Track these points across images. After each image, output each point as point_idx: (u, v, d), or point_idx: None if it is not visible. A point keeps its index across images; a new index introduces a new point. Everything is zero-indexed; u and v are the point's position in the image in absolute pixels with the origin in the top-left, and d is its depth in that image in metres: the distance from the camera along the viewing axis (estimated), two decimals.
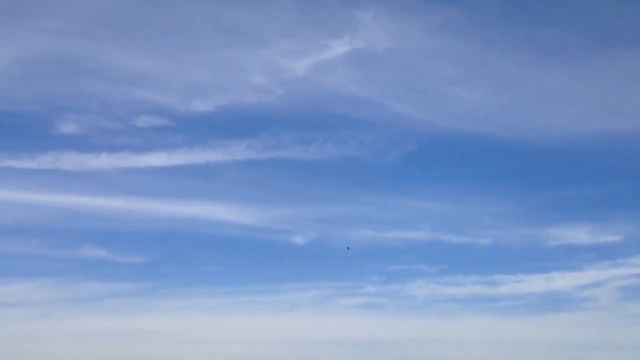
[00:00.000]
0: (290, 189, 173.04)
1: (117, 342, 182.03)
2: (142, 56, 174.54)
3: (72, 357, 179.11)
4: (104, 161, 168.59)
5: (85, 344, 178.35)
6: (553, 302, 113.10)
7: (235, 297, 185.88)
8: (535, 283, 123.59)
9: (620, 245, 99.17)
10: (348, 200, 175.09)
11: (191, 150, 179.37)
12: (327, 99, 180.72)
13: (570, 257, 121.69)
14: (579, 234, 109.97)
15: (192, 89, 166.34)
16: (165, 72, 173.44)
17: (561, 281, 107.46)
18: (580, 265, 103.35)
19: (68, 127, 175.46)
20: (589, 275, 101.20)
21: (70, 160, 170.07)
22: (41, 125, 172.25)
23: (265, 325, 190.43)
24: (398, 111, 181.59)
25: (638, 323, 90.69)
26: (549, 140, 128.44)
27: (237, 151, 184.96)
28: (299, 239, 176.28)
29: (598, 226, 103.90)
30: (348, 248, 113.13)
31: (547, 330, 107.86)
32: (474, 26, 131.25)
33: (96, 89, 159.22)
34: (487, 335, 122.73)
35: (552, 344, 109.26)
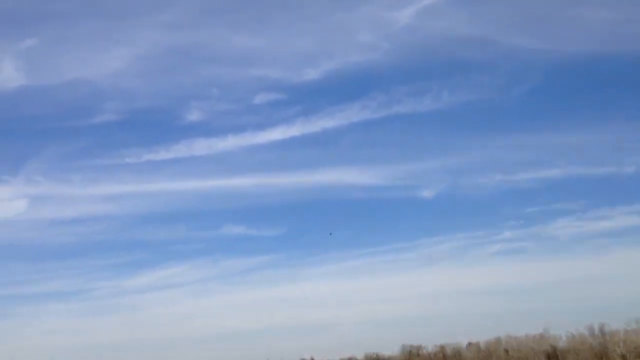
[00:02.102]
0: (411, 143, 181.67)
1: (266, 311, 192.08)
2: (251, 36, 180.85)
3: (229, 329, 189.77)
4: (230, 142, 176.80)
5: (238, 316, 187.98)
6: None
7: (371, 257, 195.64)
8: None
9: None
10: (473, 146, 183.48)
11: (308, 120, 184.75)
12: (437, 45, 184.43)
13: None
14: None
15: (301, 59, 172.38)
16: (274, 47, 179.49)
17: None
18: None
19: (193, 115, 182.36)
20: None
21: (200, 146, 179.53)
22: (170, 117, 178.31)
23: (405, 282, 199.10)
24: (516, 45, 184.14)
25: None
26: None
27: (352, 114, 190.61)
28: (426, 193, 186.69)
29: None
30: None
31: None
32: None
33: (213, 75, 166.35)
34: None
35: None
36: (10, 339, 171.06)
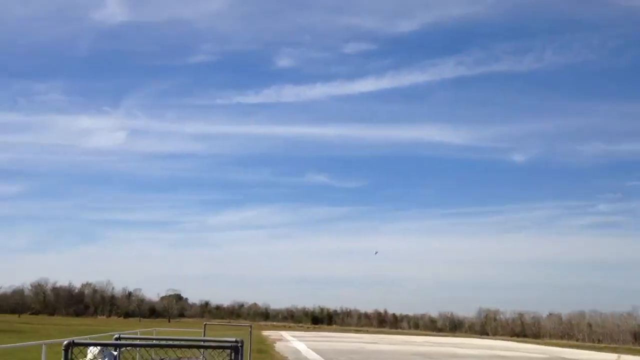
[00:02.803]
0: (506, 104, 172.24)
1: (342, 261, 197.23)
2: None
3: (304, 275, 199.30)
4: (318, 91, 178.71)
5: (315, 263, 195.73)
6: None
7: (454, 218, 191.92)
8: None
9: None
10: (574, 112, 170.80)
11: (398, 73, 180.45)
12: (546, 0, 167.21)
13: None
14: None
15: (397, 9, 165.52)
16: None
17: None
18: None
19: (284, 61, 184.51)
20: None
21: (289, 93, 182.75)
22: (261, 62, 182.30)
23: (487, 246, 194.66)
24: (631, 4, 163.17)
25: None
26: None
27: (445, 69, 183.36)
28: (518, 157, 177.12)
29: None
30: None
31: None
32: None
33: (306, 21, 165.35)
34: None
35: None
36: (101, 262, 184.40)
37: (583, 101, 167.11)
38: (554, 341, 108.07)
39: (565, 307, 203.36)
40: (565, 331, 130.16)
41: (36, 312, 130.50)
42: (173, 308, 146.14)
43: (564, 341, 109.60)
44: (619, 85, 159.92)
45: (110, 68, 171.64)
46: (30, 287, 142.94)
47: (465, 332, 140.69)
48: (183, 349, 9.01)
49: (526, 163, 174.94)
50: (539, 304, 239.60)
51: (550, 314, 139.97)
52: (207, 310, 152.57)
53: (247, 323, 31.17)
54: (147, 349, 21.31)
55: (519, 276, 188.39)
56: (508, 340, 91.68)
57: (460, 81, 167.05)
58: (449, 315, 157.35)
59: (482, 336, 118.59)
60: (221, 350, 5.99)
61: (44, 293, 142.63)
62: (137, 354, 19.73)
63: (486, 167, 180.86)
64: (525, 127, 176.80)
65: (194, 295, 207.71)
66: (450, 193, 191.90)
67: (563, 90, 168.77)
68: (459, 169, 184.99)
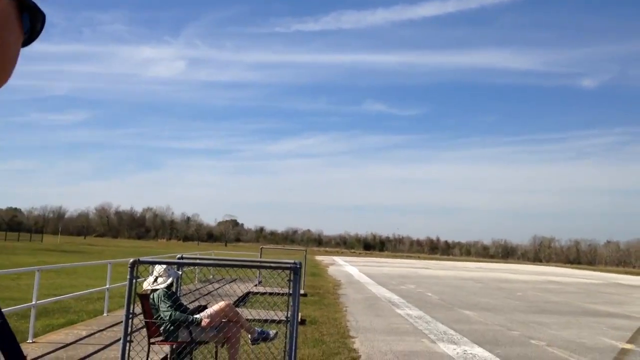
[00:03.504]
0: (578, 26, 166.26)
1: (398, 189, 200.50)
2: None
3: (360, 202, 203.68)
4: (379, 16, 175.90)
5: (370, 190, 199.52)
6: None
7: (515, 146, 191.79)
8: None
9: None
10: None
11: None
12: None
13: None
14: None
15: None
16: None
17: None
18: None
19: None
20: None
21: (349, 19, 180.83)
22: None
23: (549, 174, 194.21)
24: None
25: None
26: None
27: None
28: (588, 82, 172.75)
29: None
30: None
31: None
32: None
33: None
34: None
35: None
36: (162, 188, 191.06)
37: None
38: (610, 268, 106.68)
39: (625, 235, 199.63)
40: (622, 259, 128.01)
41: (100, 235, 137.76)
42: (229, 233, 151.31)
43: (620, 268, 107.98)
44: None
45: None
46: (94, 211, 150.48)
47: (518, 259, 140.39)
48: (240, 269, 9.31)
49: (597, 89, 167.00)
50: (597, 232, 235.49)
51: (608, 242, 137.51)
52: (262, 236, 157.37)
53: (301, 248, 31.91)
54: (206, 269, 22.33)
55: (580, 204, 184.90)
56: (562, 267, 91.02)
57: (531, 2, 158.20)
58: (502, 243, 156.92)
59: (536, 263, 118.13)
60: (279, 271, 6.11)
61: (107, 217, 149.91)
62: (197, 274, 20.59)
63: (554, 93, 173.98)
64: (598, 51, 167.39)
65: (249, 221, 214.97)
66: (512, 120, 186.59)
67: (635, 10, 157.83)
68: (524, 95, 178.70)
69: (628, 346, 11.31)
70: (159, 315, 6.34)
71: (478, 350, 9.97)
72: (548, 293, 26.39)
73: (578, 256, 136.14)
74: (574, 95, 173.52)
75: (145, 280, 6.61)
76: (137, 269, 5.43)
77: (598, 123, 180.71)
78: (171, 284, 6.64)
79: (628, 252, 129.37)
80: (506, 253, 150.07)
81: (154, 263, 6.10)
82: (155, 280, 6.62)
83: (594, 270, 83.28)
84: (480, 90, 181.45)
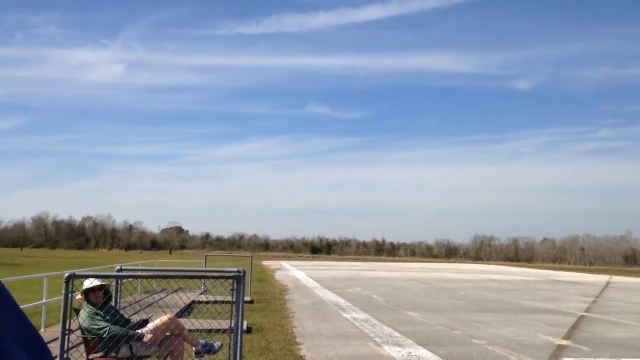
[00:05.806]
0: (512, 29, 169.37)
1: (342, 191, 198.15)
2: None
3: (305, 205, 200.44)
4: (321, 20, 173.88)
5: (315, 194, 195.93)
6: None
7: (454, 147, 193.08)
8: None
9: None
10: (579, 35, 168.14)
11: None
12: None
13: None
14: None
15: None
16: None
17: None
18: None
19: None
20: None
21: (291, 22, 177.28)
22: None
23: (487, 174, 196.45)
24: None
25: None
26: None
27: None
28: (523, 84, 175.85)
29: None
30: None
31: None
32: None
33: None
34: None
35: None
36: (102, 196, 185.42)
37: (588, 25, 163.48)
38: (546, 264, 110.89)
39: (561, 232, 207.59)
40: (558, 255, 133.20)
41: (38, 246, 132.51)
42: (174, 240, 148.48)
43: (556, 264, 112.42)
44: (630, 7, 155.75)
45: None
46: (31, 221, 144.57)
47: (460, 258, 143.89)
48: (184, 280, 9.11)
49: (531, 90, 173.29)
50: (534, 231, 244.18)
51: (544, 239, 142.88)
52: (207, 242, 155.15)
53: (247, 254, 31.59)
54: (149, 280, 21.79)
55: (517, 203, 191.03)
56: (501, 265, 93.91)
57: (470, 6, 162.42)
58: (445, 243, 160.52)
59: (477, 261, 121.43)
60: (223, 280, 6.02)
61: (44, 227, 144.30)
62: (139, 285, 20.07)
63: (490, 95, 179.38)
64: (531, 53, 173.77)
65: (194, 228, 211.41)
66: (451, 122, 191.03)
67: (570, 13, 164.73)
68: (462, 97, 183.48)
69: (564, 342, 11.77)
70: (98, 329, 6.13)
71: (422, 352, 10.14)
72: (489, 291, 27.16)
73: (517, 254, 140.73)
74: (510, 97, 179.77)
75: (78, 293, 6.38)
76: (72, 283, 5.23)
77: (533, 124, 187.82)
78: (104, 302, 6.41)
79: (563, 248, 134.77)
80: (449, 252, 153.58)
81: (90, 276, 5.90)
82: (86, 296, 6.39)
83: (532, 267, 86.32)
84: (422, 93, 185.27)
